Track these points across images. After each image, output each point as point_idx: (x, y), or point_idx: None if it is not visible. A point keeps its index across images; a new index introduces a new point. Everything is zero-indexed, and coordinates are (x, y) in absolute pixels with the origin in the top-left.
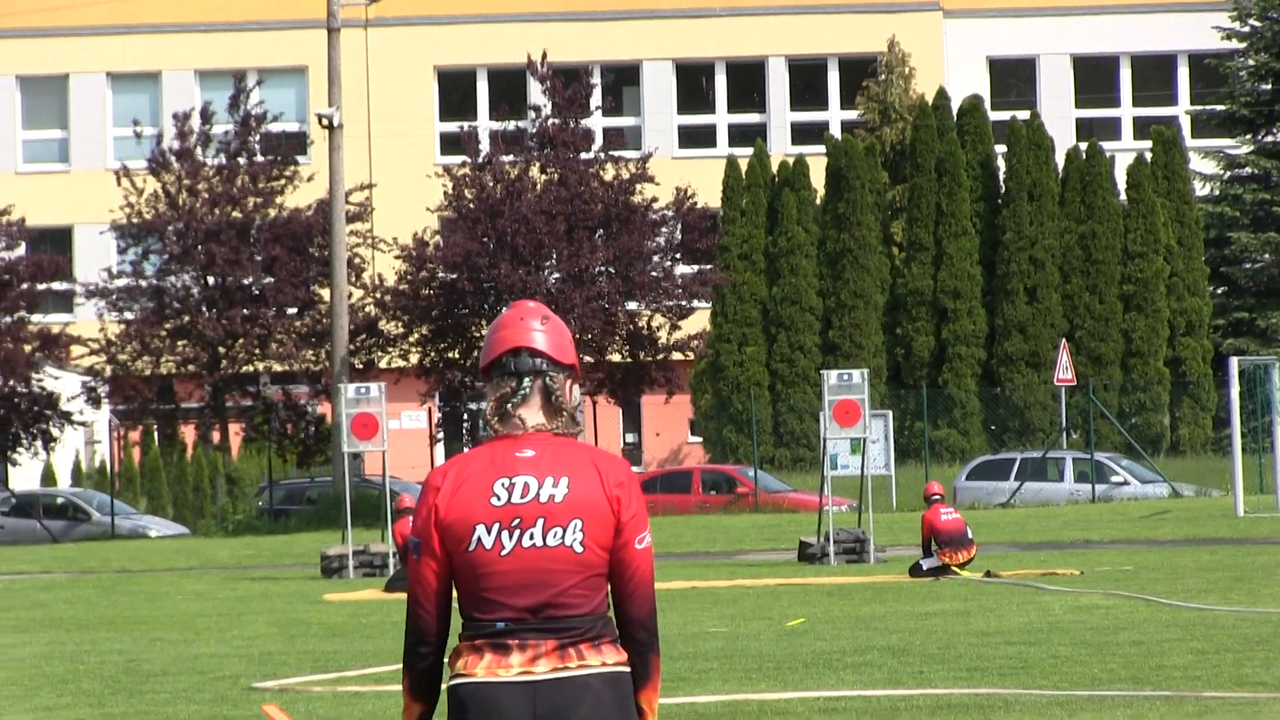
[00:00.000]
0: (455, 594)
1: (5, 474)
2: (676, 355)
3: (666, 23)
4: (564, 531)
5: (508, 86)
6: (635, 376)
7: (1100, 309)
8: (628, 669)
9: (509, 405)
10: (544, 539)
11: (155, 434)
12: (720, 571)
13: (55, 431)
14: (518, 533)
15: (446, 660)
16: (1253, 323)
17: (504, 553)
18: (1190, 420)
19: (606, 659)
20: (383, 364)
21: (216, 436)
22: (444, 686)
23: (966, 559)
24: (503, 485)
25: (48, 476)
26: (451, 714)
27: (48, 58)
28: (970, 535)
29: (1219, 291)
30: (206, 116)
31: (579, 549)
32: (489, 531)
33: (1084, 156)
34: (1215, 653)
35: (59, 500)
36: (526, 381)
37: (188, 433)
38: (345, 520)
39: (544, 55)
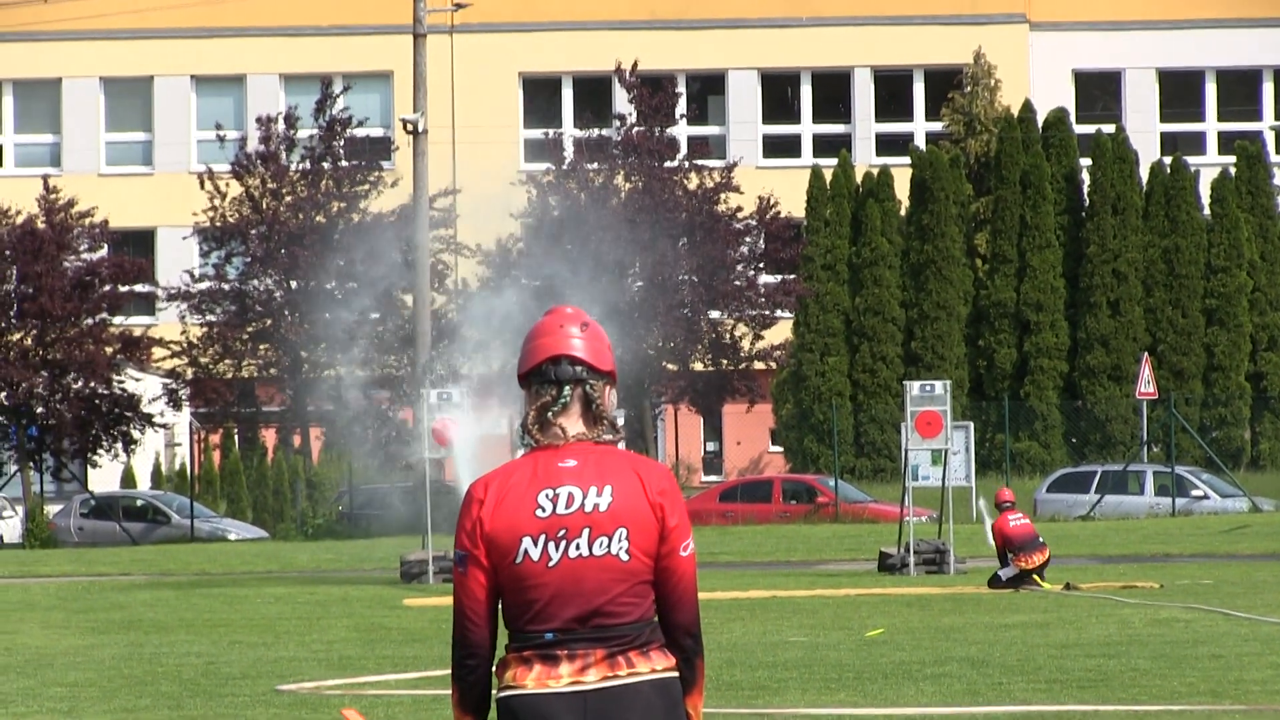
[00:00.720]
0: (500, 605)
1: (85, 476)
2: (759, 364)
3: (752, 32)
4: (609, 541)
5: (593, 94)
6: (717, 385)
7: (1183, 323)
8: (676, 674)
9: (549, 414)
10: (590, 549)
11: (236, 437)
12: (800, 581)
13: (136, 434)
14: (564, 543)
15: (495, 671)
16: None
17: (551, 564)
18: (1271, 435)
19: (655, 665)
20: (464, 369)
21: (297, 440)
22: (493, 698)
23: (1042, 561)
24: (547, 496)
25: (128, 479)
26: None
27: (132, 60)
28: (1041, 540)
29: None
30: (291, 120)
31: (625, 557)
32: (535, 543)
33: (1168, 171)
34: None
35: (139, 502)
36: (567, 390)
37: (268, 436)
38: (425, 526)
39: (634, 64)
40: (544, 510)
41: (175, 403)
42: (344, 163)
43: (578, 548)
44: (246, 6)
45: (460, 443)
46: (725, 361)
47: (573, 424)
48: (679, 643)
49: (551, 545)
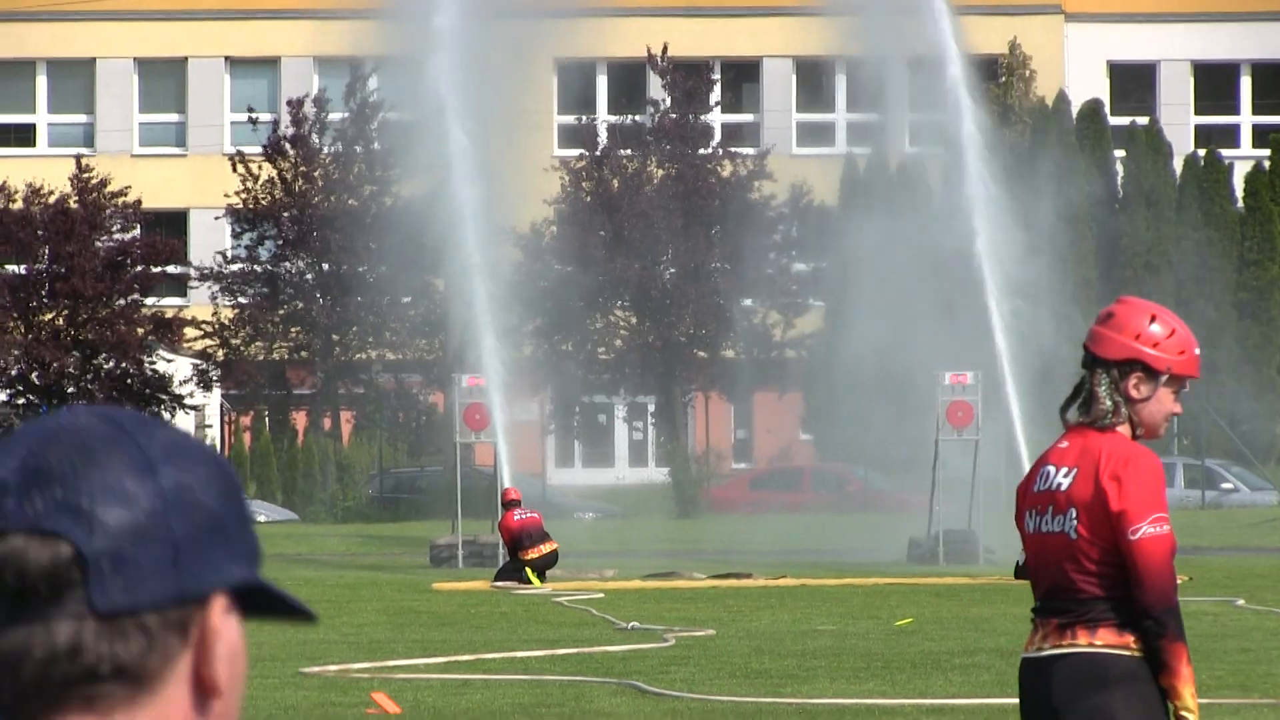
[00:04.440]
0: None
1: None
2: (790, 353)
3: (787, 20)
4: (1064, 518)
5: (627, 81)
6: (748, 373)
7: (1214, 316)
8: (1121, 652)
9: (1079, 398)
10: (1052, 524)
11: (266, 419)
12: (829, 570)
13: (166, 415)
14: (1039, 517)
15: None
16: None
17: (1032, 534)
18: None
19: (1095, 640)
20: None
21: (327, 423)
22: None
23: None
24: (1042, 473)
25: None
26: None
27: (167, 41)
28: None
29: None
30: (321, 103)
31: (1073, 535)
32: (1028, 515)
33: (1202, 164)
34: None
35: None
36: (1085, 377)
37: (299, 419)
38: (455, 511)
39: (664, 49)
40: (1037, 486)
41: (206, 384)
42: (376, 146)
43: (1046, 523)
44: None
45: (498, 427)
46: (756, 349)
47: (1078, 410)
48: (1140, 624)
49: (1032, 519)
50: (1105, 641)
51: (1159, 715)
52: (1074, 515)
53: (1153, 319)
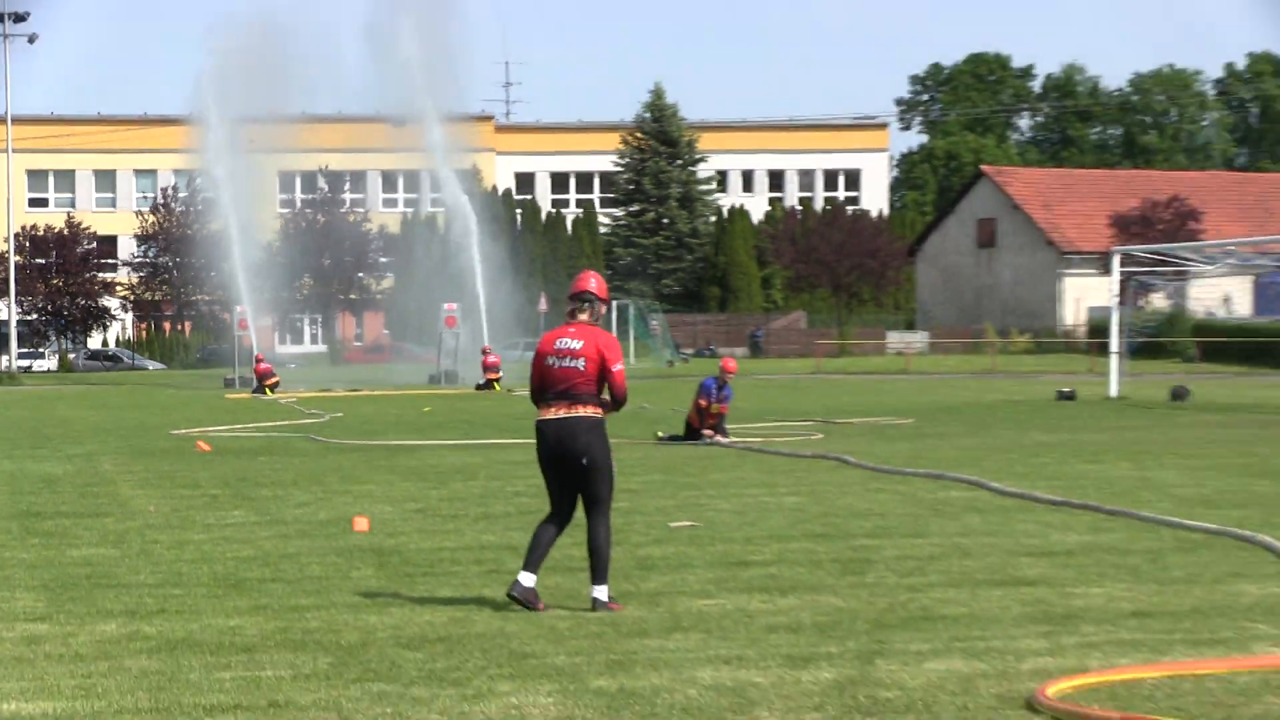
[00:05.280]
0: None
1: (86, 341)
2: (379, 295)
3: (382, 154)
4: (577, 361)
5: (310, 179)
6: (362, 304)
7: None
8: (596, 415)
9: (574, 311)
10: (570, 363)
11: (153, 325)
12: (397, 388)
13: (109, 323)
14: (559, 360)
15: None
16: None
17: (553, 366)
18: None
19: (586, 410)
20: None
21: (180, 326)
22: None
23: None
24: (560, 340)
25: (104, 343)
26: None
27: (109, 161)
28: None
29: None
30: (176, 189)
31: (581, 367)
32: (550, 359)
33: (555, 215)
34: None
35: (110, 353)
36: (581, 303)
37: (167, 326)
38: (234, 363)
39: (326, 166)
40: (558, 345)
41: (126, 309)
42: (200, 207)
43: (566, 362)
44: (161, 139)
45: (252, 327)
46: (365, 294)
47: (581, 314)
48: (611, 402)
49: (554, 360)
50: (589, 412)
51: (609, 447)
52: (583, 360)
53: (597, 280)
